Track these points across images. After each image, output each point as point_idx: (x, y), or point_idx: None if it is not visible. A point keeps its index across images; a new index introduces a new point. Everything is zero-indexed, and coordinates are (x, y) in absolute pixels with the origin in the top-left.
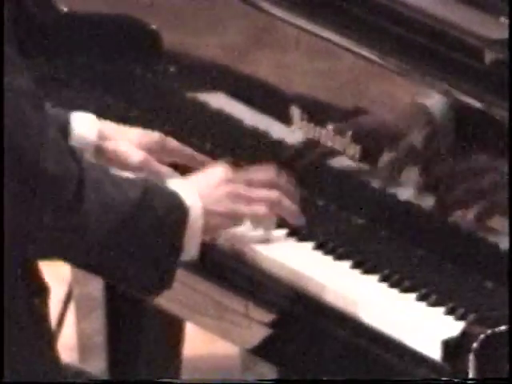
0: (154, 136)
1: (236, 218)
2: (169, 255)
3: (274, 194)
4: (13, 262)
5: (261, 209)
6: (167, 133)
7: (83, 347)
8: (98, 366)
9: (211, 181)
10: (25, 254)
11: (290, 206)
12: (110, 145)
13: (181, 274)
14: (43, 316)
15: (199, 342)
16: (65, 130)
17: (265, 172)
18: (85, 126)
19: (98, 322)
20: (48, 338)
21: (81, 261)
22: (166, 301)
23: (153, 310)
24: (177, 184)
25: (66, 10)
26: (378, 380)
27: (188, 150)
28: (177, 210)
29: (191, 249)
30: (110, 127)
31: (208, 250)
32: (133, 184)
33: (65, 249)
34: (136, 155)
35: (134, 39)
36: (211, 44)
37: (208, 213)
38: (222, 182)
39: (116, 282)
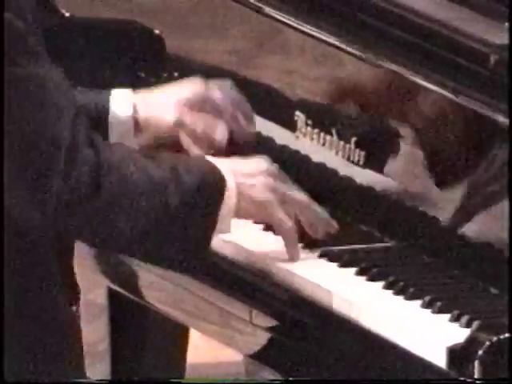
0: (194, 87)
1: (266, 216)
2: (204, 227)
3: (306, 198)
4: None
5: (289, 220)
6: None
7: (87, 354)
8: (101, 372)
9: (250, 167)
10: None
11: (317, 216)
12: (142, 115)
13: (185, 282)
14: (78, 324)
15: (203, 349)
16: (104, 109)
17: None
18: (120, 102)
19: (101, 329)
20: (80, 344)
21: (111, 243)
22: (170, 308)
23: (157, 316)
24: (215, 160)
25: (68, 14)
26: (378, 380)
27: (229, 108)
28: (214, 181)
29: (224, 224)
30: (143, 96)
31: (213, 257)
32: (160, 162)
33: (94, 232)
34: (168, 116)
35: (137, 44)
36: (215, 49)
37: (241, 194)
38: (262, 172)
39: (150, 260)
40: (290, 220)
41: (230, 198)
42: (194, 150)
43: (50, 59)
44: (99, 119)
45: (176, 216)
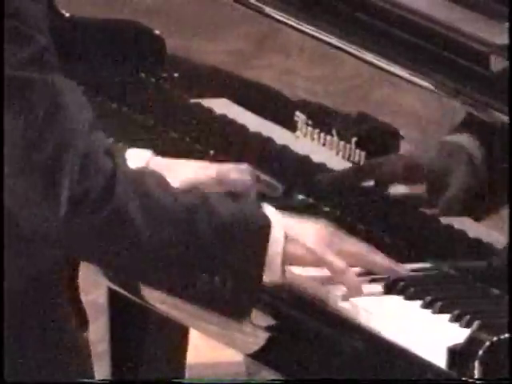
0: (210, 171)
1: (320, 261)
2: (251, 264)
3: (365, 247)
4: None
5: (347, 270)
6: (170, 139)
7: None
8: (101, 372)
9: (305, 221)
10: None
11: (382, 262)
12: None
13: None
14: (88, 348)
15: (203, 349)
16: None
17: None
18: (136, 159)
19: (101, 330)
20: (90, 367)
21: (120, 262)
22: (170, 308)
23: (157, 317)
24: (264, 206)
25: (68, 14)
26: (378, 380)
27: (247, 182)
28: (257, 219)
29: (272, 269)
30: (159, 163)
31: None
32: (187, 191)
33: (104, 247)
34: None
35: (137, 44)
36: (215, 50)
37: (290, 240)
38: (315, 226)
39: (185, 296)
40: (342, 262)
41: (277, 241)
42: None
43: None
44: None
45: (209, 246)
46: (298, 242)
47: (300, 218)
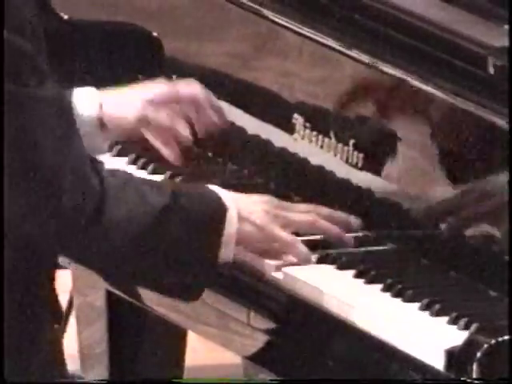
0: (161, 87)
1: (269, 237)
2: (208, 255)
3: (310, 217)
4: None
5: (295, 241)
6: None
7: (85, 357)
8: (99, 375)
9: (250, 197)
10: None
11: (328, 227)
12: (106, 112)
13: None
14: (60, 341)
15: (201, 351)
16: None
17: (304, 205)
18: (85, 101)
19: (99, 332)
20: (62, 361)
21: (113, 271)
22: (168, 310)
23: (155, 319)
24: (215, 188)
25: (66, 17)
26: (378, 380)
27: (194, 103)
28: (215, 208)
29: (227, 250)
30: (107, 94)
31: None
32: (160, 189)
33: (93, 259)
34: (132, 113)
35: (135, 47)
36: (213, 51)
37: (242, 219)
38: (262, 200)
39: (153, 288)
40: (289, 234)
41: (232, 223)
42: (159, 146)
43: (54, 79)
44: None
45: (178, 243)
46: (248, 220)
47: (246, 195)
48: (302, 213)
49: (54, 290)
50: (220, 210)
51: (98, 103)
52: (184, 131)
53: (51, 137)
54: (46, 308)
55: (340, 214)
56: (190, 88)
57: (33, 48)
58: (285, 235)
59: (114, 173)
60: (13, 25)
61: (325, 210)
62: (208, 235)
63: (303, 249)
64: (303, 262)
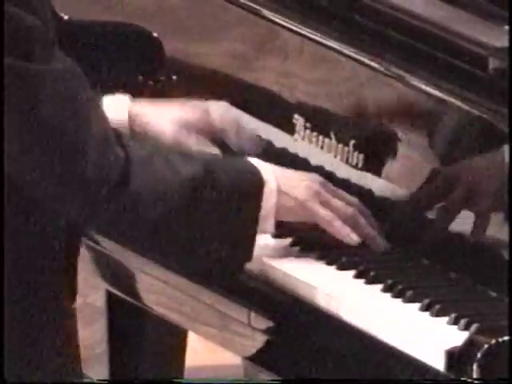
0: (195, 113)
1: (308, 213)
2: (245, 229)
3: (351, 209)
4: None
5: (334, 218)
6: None
7: (85, 357)
8: (99, 375)
9: (295, 172)
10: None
11: (366, 226)
12: (139, 125)
13: (184, 284)
14: (75, 321)
15: (202, 352)
16: None
17: (349, 196)
18: (116, 108)
19: (99, 332)
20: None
21: (141, 244)
22: (168, 311)
23: (155, 319)
24: (255, 160)
25: (66, 17)
26: (377, 380)
27: (234, 127)
28: (252, 181)
29: (267, 224)
30: (141, 106)
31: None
32: (192, 160)
33: (120, 231)
34: (165, 132)
35: (135, 47)
36: (214, 52)
37: (282, 193)
38: (306, 177)
39: (183, 263)
40: (330, 213)
41: (270, 197)
42: None
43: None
44: None
45: (211, 216)
46: (288, 194)
47: (291, 170)
48: (344, 201)
49: (75, 266)
50: (257, 182)
51: (127, 109)
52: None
53: (70, 107)
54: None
55: (375, 222)
56: (223, 116)
57: (42, 23)
58: (324, 212)
59: (142, 144)
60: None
61: (365, 211)
62: (244, 209)
63: (342, 225)
64: (345, 238)
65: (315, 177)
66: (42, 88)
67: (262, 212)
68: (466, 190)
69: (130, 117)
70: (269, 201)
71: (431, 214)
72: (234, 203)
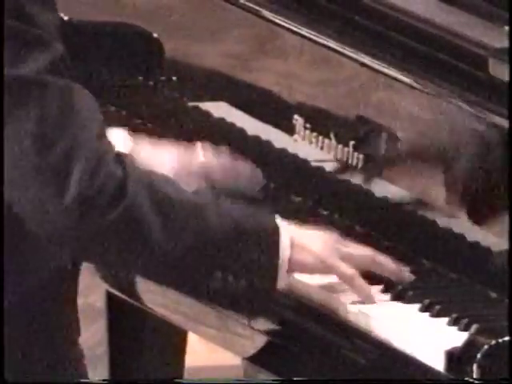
0: (195, 158)
1: (328, 268)
2: (265, 271)
3: (369, 252)
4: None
5: (356, 275)
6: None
7: (85, 357)
8: (100, 375)
9: (309, 230)
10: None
11: (388, 263)
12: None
13: None
14: (81, 353)
15: (201, 352)
16: None
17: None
18: (117, 138)
19: (99, 333)
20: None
21: (129, 265)
22: (168, 311)
23: (155, 320)
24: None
25: (66, 18)
26: (378, 381)
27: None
28: (269, 224)
29: (281, 276)
30: (142, 146)
31: None
32: (198, 191)
33: (110, 249)
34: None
35: (135, 48)
36: (213, 53)
37: (297, 246)
38: (322, 233)
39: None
40: (350, 267)
41: (284, 247)
42: None
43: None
44: None
45: (218, 242)
46: (304, 248)
47: (305, 227)
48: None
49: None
50: (273, 228)
51: (129, 144)
52: None
53: (75, 121)
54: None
55: (394, 264)
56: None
57: (48, 36)
58: (345, 267)
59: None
60: (30, 18)
61: (382, 258)
62: (260, 249)
63: (363, 283)
64: (365, 298)
65: (330, 234)
66: (43, 97)
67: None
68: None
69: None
70: (281, 253)
71: (431, 215)
72: (249, 238)
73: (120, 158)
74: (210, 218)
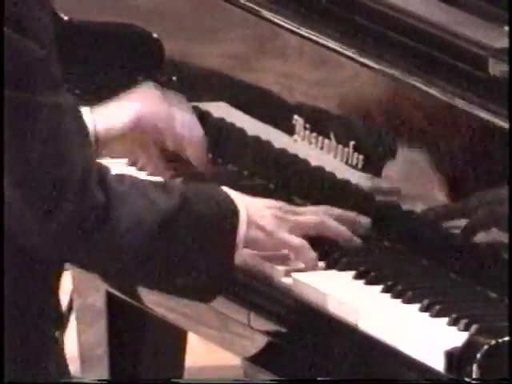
0: (147, 106)
1: (277, 242)
2: (223, 258)
3: (318, 218)
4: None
5: (304, 245)
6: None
7: (85, 358)
8: (99, 376)
9: (259, 201)
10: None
11: (337, 227)
12: (101, 128)
13: None
14: (61, 348)
15: (201, 353)
16: None
17: (314, 207)
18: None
19: (99, 333)
20: (65, 369)
21: (123, 277)
22: (168, 311)
23: (155, 320)
24: (226, 189)
25: (66, 18)
26: (378, 381)
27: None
28: (228, 210)
29: (238, 254)
30: (100, 111)
31: None
32: (168, 192)
33: (101, 266)
34: (126, 120)
35: (135, 48)
36: (213, 53)
37: (251, 223)
38: (271, 205)
39: (168, 292)
40: (297, 238)
41: (241, 227)
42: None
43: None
44: None
45: (189, 246)
46: (257, 225)
47: (254, 199)
48: (311, 215)
49: (57, 295)
50: (233, 212)
51: (92, 120)
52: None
53: (62, 146)
54: (49, 313)
55: (350, 214)
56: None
57: (47, 54)
58: (293, 239)
59: (121, 178)
60: (27, 29)
61: (336, 211)
62: (222, 238)
63: (311, 254)
64: (311, 267)
65: (280, 203)
66: (33, 121)
67: (237, 240)
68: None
69: (93, 127)
70: (240, 231)
71: (431, 216)
72: (211, 233)
73: (103, 181)
74: (179, 223)
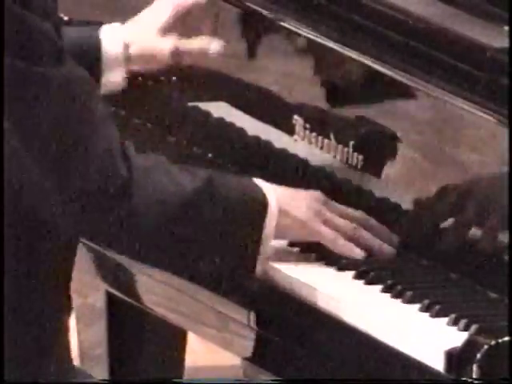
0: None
1: (310, 233)
2: (247, 249)
3: (352, 226)
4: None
5: (337, 237)
6: (168, 142)
7: (85, 357)
8: (99, 376)
9: (296, 191)
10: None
11: (370, 238)
12: (135, 49)
13: (183, 285)
14: (68, 332)
15: (201, 352)
16: (96, 46)
17: (352, 210)
18: (111, 37)
19: (99, 333)
20: (68, 352)
21: (141, 253)
22: (168, 311)
23: (155, 320)
24: (257, 180)
25: (66, 18)
26: (377, 381)
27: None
28: (256, 199)
29: (265, 247)
30: (132, 32)
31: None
32: (194, 174)
33: (120, 243)
34: (164, 46)
35: None
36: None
37: (283, 214)
38: (307, 196)
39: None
40: (332, 232)
41: (271, 219)
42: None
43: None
44: (91, 53)
45: (213, 230)
46: (290, 215)
47: (292, 189)
48: (347, 217)
49: (70, 277)
50: (260, 202)
51: (123, 42)
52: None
53: (75, 115)
54: (62, 296)
55: (385, 229)
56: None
57: (52, 27)
58: (326, 231)
59: (145, 158)
60: (31, 4)
61: (372, 222)
62: (247, 227)
63: (346, 243)
64: (352, 254)
65: (316, 194)
66: (48, 92)
67: (264, 233)
68: (477, 207)
69: (124, 48)
70: (270, 222)
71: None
72: (235, 220)
73: (125, 155)
74: (203, 205)
